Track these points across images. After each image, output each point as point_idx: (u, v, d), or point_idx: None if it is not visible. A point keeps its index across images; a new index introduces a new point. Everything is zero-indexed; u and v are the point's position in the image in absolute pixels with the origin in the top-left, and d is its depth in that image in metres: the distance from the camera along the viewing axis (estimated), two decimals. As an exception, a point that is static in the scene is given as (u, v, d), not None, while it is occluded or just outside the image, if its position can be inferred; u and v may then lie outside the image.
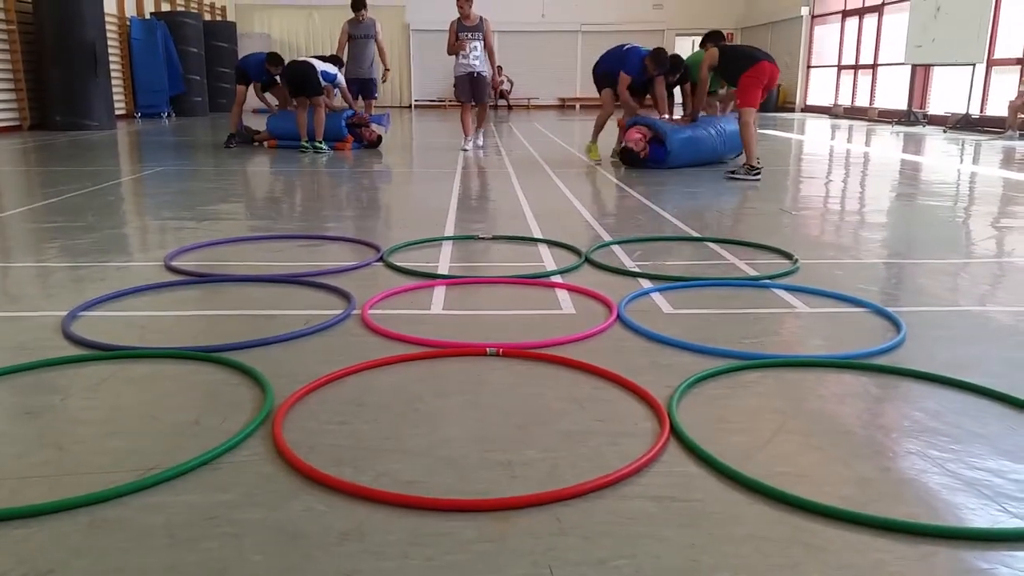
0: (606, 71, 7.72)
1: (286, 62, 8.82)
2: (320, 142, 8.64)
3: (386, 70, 9.53)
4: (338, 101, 9.20)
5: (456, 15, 8.58)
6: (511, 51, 22.29)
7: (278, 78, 8.91)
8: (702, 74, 7.09)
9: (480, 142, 9.38)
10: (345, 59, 9.30)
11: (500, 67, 22.06)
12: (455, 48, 8.67)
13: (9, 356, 2.33)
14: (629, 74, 7.45)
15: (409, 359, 2.33)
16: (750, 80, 6.61)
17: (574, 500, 1.56)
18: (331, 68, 8.64)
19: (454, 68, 8.79)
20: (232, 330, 2.64)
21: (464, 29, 8.64)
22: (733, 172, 6.69)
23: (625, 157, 7.39)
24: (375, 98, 9.74)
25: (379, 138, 9.33)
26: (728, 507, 1.55)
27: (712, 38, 7.47)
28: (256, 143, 9.40)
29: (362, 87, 9.48)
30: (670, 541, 1.43)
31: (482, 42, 8.64)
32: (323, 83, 8.40)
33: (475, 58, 8.65)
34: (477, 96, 8.86)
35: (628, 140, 7.32)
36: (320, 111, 8.55)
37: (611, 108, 7.87)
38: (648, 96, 7.85)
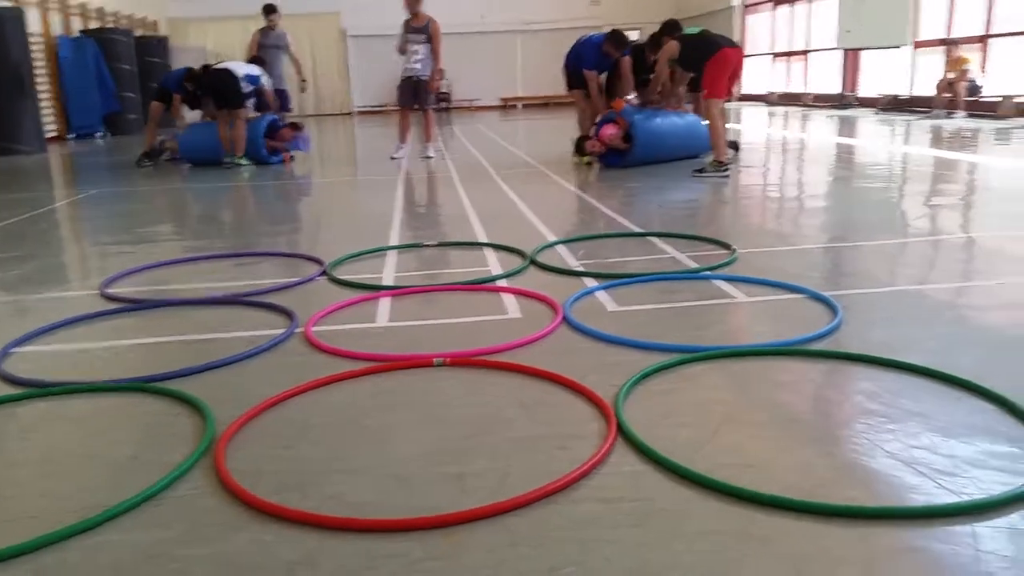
0: (572, 71, 7.54)
1: (205, 70, 8.43)
2: (241, 157, 8.20)
3: (302, 80, 9.31)
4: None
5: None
6: (451, 53, 22.26)
7: (198, 92, 8.46)
8: (659, 67, 6.85)
9: (431, 153, 8.81)
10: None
11: (442, 70, 22.07)
12: (399, 50, 8.47)
13: (-63, 400, 2.24)
14: (592, 68, 7.22)
15: (355, 375, 2.31)
16: (714, 69, 6.33)
17: (525, 509, 1.56)
18: (254, 69, 8.31)
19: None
20: (172, 357, 2.58)
21: (409, 30, 8.32)
22: (701, 169, 6.42)
23: (578, 147, 7.22)
24: (289, 110, 9.42)
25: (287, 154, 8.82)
26: (677, 503, 1.56)
27: (668, 29, 7.05)
28: (165, 155, 8.95)
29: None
30: (621, 542, 1.44)
31: (427, 45, 8.30)
32: (248, 87, 8.05)
33: (416, 61, 8.34)
34: (418, 101, 8.57)
35: (602, 136, 6.95)
36: (240, 124, 8.12)
37: (584, 106, 7.69)
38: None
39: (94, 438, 2.00)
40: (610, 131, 6.90)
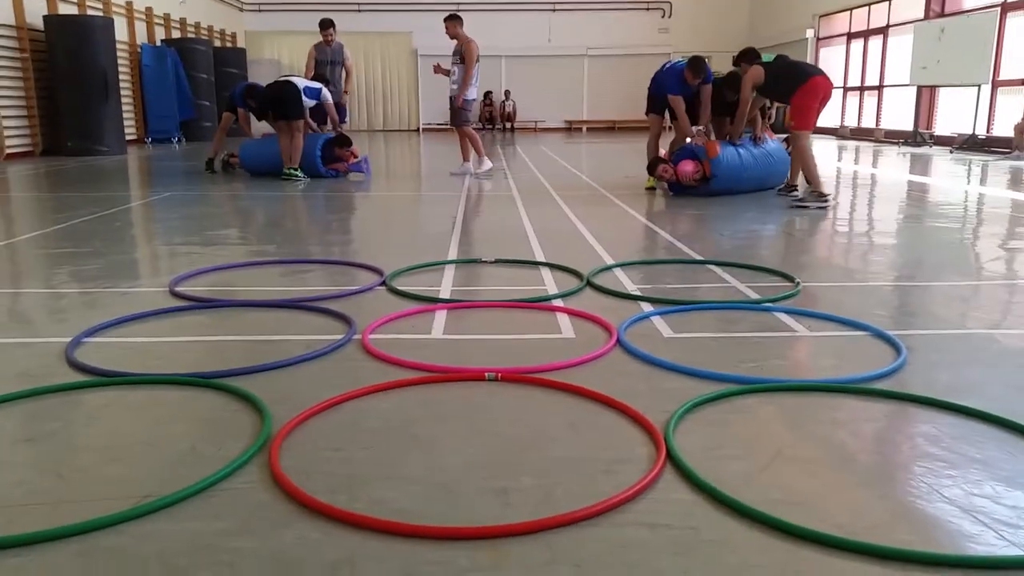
0: (652, 94, 7.41)
1: (271, 82, 8.47)
2: (295, 168, 8.15)
3: (344, 92, 9.32)
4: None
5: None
6: (517, 74, 22.51)
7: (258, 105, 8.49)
8: (744, 94, 6.58)
9: (470, 170, 8.87)
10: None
11: (507, 91, 22.35)
12: (438, 71, 8.71)
13: (12, 383, 2.34)
14: (676, 94, 7.07)
15: (407, 384, 2.34)
16: (804, 99, 6.12)
17: (567, 528, 1.55)
18: (315, 83, 8.36)
19: None
20: (233, 356, 2.65)
21: (454, 52, 8.57)
22: (802, 200, 6.23)
23: (651, 168, 7.04)
24: (345, 123, 9.38)
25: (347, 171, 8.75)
26: (723, 534, 1.54)
27: (746, 57, 6.80)
28: (228, 162, 9.13)
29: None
30: (663, 570, 1.42)
31: (461, 65, 8.44)
32: (309, 101, 8.09)
33: (453, 81, 8.53)
34: (451, 119, 8.75)
35: (681, 174, 6.75)
36: (299, 136, 8.09)
37: (659, 130, 7.56)
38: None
39: (155, 428, 2.07)
40: (688, 168, 6.70)
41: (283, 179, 8.12)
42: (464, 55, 8.41)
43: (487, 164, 9.01)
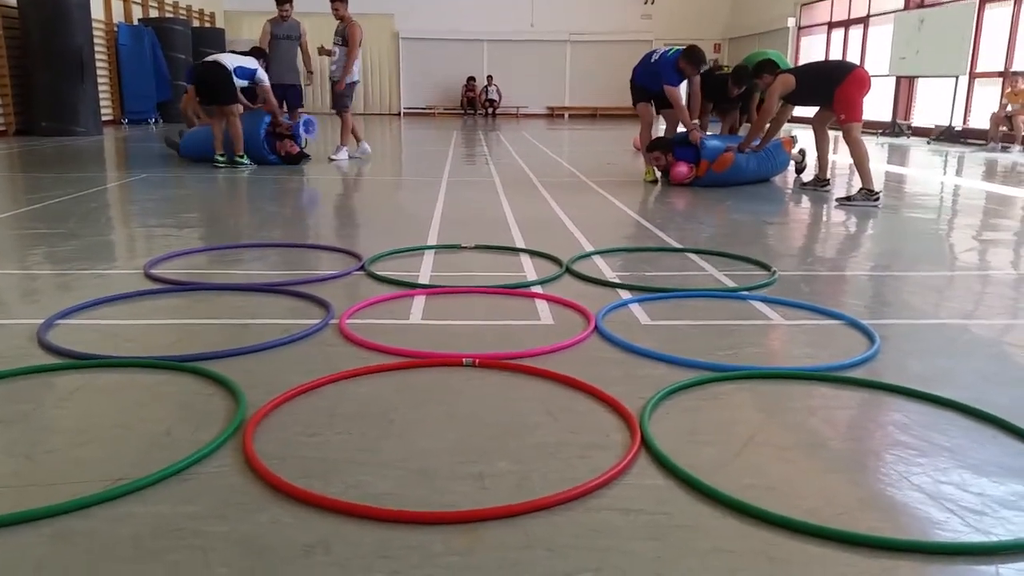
0: (642, 86, 7.13)
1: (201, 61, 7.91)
2: (241, 156, 7.64)
3: (309, 73, 8.83)
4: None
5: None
6: (500, 60, 22.41)
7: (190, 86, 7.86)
8: (770, 103, 6.33)
9: (339, 156, 8.63)
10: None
11: (490, 76, 22.25)
12: (323, 52, 8.56)
13: (-18, 365, 2.31)
14: (674, 85, 6.82)
15: (385, 369, 2.33)
16: (850, 92, 5.99)
17: (543, 512, 1.56)
18: (250, 62, 7.67)
19: None
20: (208, 339, 2.63)
21: (337, 32, 8.39)
22: (849, 198, 6.03)
23: (655, 147, 6.88)
24: (301, 107, 8.85)
25: (300, 155, 8.15)
26: (695, 520, 1.56)
27: (768, 68, 6.52)
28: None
29: (285, 94, 8.54)
30: (636, 554, 1.44)
31: (344, 47, 8.28)
32: (238, 81, 7.46)
33: (333, 63, 8.37)
34: (332, 104, 8.57)
35: (674, 176, 6.71)
36: (236, 122, 7.51)
37: (651, 119, 7.30)
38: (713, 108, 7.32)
39: (129, 411, 2.05)
40: (682, 171, 6.66)
41: (217, 166, 7.59)
42: (348, 37, 8.24)
43: (366, 148, 8.96)
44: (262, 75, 7.74)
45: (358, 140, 9.00)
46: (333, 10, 8.26)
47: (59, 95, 11.59)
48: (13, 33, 11.59)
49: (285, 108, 8.54)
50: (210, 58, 7.75)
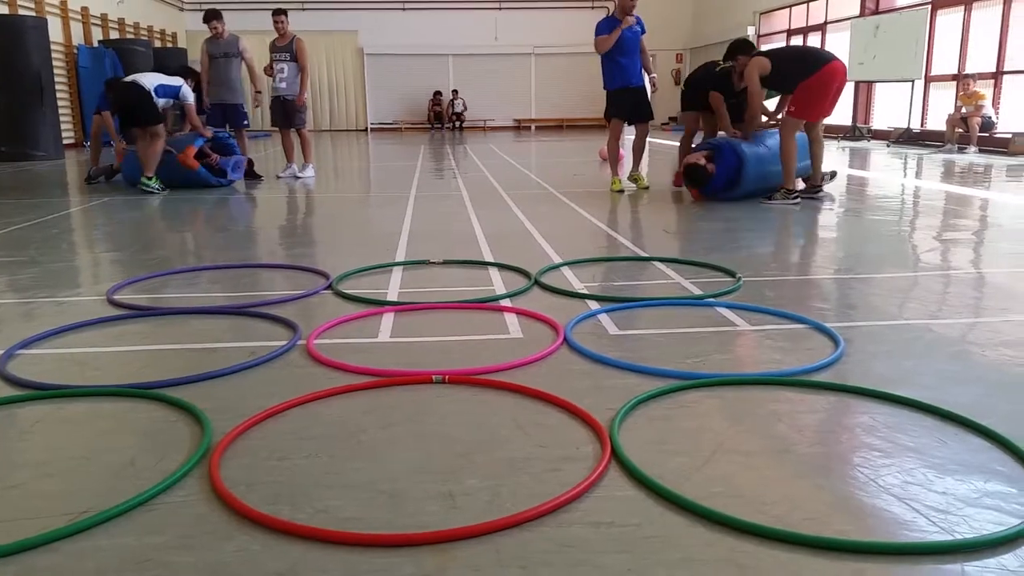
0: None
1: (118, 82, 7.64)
2: (149, 177, 7.20)
3: (257, 92, 8.64)
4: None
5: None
6: (465, 73, 22.49)
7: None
8: (753, 86, 6.03)
9: (302, 173, 8.69)
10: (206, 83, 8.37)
11: (455, 90, 22.30)
12: (267, 72, 8.53)
13: (-60, 399, 2.26)
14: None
15: (353, 389, 2.32)
16: (816, 88, 5.77)
17: (514, 529, 1.56)
18: (174, 80, 7.39)
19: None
20: (174, 365, 2.60)
21: (274, 50, 8.40)
22: (769, 198, 6.09)
23: (692, 177, 6.40)
24: (245, 126, 8.58)
25: (222, 170, 7.75)
26: (665, 530, 1.56)
27: (743, 49, 6.40)
28: (113, 169, 8.28)
29: (226, 114, 8.39)
30: (606, 567, 1.44)
31: (293, 63, 8.33)
32: (161, 101, 7.18)
33: (280, 80, 8.37)
34: (284, 121, 8.56)
35: (688, 159, 6.40)
36: (157, 142, 7.12)
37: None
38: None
39: (92, 442, 2.01)
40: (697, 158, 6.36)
41: (141, 189, 7.24)
42: (297, 52, 8.32)
43: (310, 171, 8.87)
44: (186, 93, 7.53)
45: (309, 161, 8.89)
46: (279, 25, 8.24)
47: (18, 119, 11.43)
48: (-32, 58, 11.39)
49: (228, 128, 8.41)
50: (127, 78, 7.49)
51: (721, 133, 6.88)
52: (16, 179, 9.07)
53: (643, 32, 6.97)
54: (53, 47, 12.60)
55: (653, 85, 7.07)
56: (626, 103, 7.03)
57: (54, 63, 12.55)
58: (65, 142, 12.81)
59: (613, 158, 7.43)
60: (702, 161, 6.26)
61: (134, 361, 2.69)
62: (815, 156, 6.45)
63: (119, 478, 1.79)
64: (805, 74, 5.87)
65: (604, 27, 6.92)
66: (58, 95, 12.71)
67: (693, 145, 7.10)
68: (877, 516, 1.61)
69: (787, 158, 6.00)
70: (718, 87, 6.84)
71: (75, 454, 1.94)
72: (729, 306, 3.22)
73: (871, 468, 1.82)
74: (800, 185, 6.41)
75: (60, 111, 12.60)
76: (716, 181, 6.28)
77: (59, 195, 7.76)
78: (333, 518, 1.60)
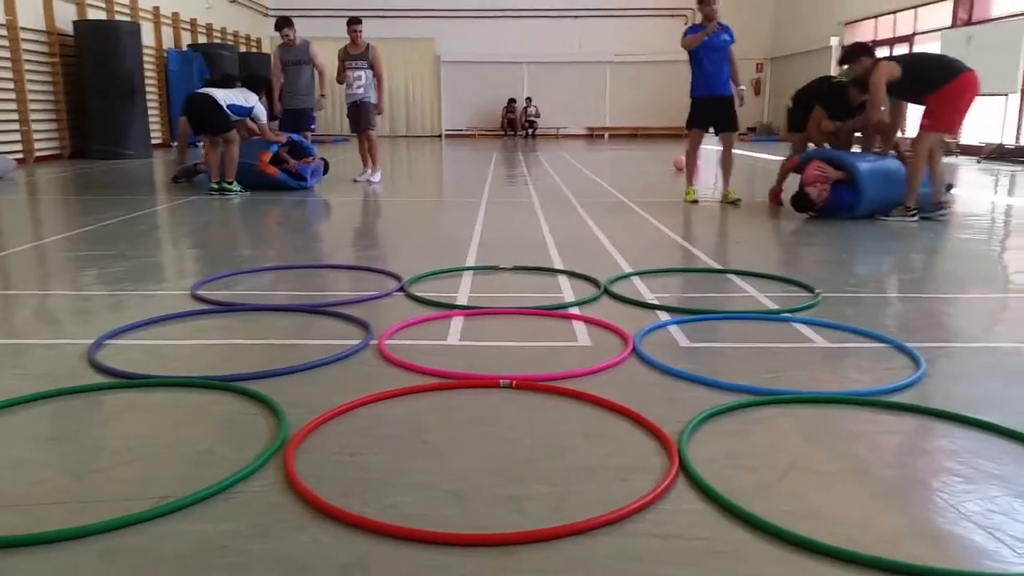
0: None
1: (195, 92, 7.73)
2: (230, 182, 7.47)
3: (321, 95, 8.70)
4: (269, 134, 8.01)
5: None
6: (540, 81, 22.57)
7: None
8: (878, 95, 5.62)
9: (374, 178, 8.82)
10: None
11: (529, 97, 22.40)
12: (339, 79, 8.70)
13: (36, 383, 2.38)
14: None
15: (422, 390, 2.35)
16: (951, 98, 5.38)
17: (579, 536, 1.56)
18: (245, 99, 7.52)
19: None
20: (252, 359, 2.68)
21: (349, 58, 8.59)
22: (887, 212, 5.79)
23: (799, 203, 6.06)
24: (311, 130, 8.80)
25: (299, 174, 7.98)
26: (732, 546, 1.54)
27: (866, 52, 5.91)
28: (197, 169, 8.52)
29: (295, 119, 8.61)
30: (673, 580, 1.42)
31: (368, 71, 8.54)
32: (233, 117, 7.38)
33: (358, 87, 8.54)
34: (355, 124, 8.77)
35: (806, 181, 5.99)
36: (232, 148, 7.40)
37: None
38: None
39: (174, 430, 2.10)
40: (813, 174, 5.97)
41: (211, 193, 7.44)
42: (374, 61, 8.56)
43: (377, 175, 8.94)
44: (259, 111, 7.68)
45: (373, 164, 9.01)
46: (355, 34, 8.45)
47: (111, 119, 11.98)
48: (68, 60, 12.02)
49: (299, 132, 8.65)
50: (203, 90, 7.67)
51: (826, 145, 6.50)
52: (108, 176, 9.51)
53: (732, 41, 6.82)
54: (145, 51, 13.18)
55: (740, 98, 6.94)
56: (708, 112, 6.92)
57: (145, 66, 13.12)
58: (153, 142, 13.37)
59: (690, 167, 7.32)
60: (814, 192, 5.90)
61: (214, 354, 2.78)
62: (937, 174, 5.97)
63: (198, 466, 1.86)
64: (941, 82, 5.47)
65: (692, 30, 6.87)
66: (147, 96, 13.28)
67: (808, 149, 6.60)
68: (957, 543, 1.55)
69: (914, 174, 5.62)
70: (830, 102, 6.41)
71: (158, 442, 2.02)
72: (806, 322, 3.14)
73: (951, 494, 1.75)
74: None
75: (149, 112, 13.16)
76: (826, 209, 5.99)
77: (147, 193, 8.10)
78: (400, 514, 1.63)
